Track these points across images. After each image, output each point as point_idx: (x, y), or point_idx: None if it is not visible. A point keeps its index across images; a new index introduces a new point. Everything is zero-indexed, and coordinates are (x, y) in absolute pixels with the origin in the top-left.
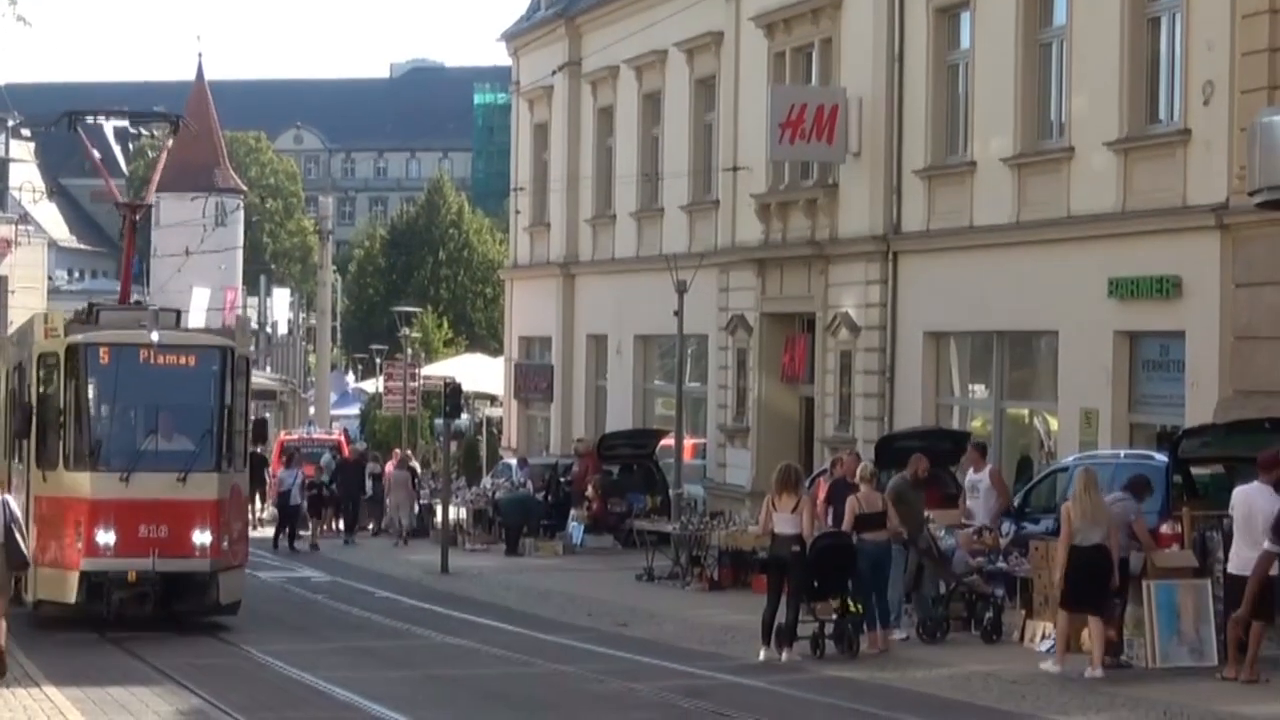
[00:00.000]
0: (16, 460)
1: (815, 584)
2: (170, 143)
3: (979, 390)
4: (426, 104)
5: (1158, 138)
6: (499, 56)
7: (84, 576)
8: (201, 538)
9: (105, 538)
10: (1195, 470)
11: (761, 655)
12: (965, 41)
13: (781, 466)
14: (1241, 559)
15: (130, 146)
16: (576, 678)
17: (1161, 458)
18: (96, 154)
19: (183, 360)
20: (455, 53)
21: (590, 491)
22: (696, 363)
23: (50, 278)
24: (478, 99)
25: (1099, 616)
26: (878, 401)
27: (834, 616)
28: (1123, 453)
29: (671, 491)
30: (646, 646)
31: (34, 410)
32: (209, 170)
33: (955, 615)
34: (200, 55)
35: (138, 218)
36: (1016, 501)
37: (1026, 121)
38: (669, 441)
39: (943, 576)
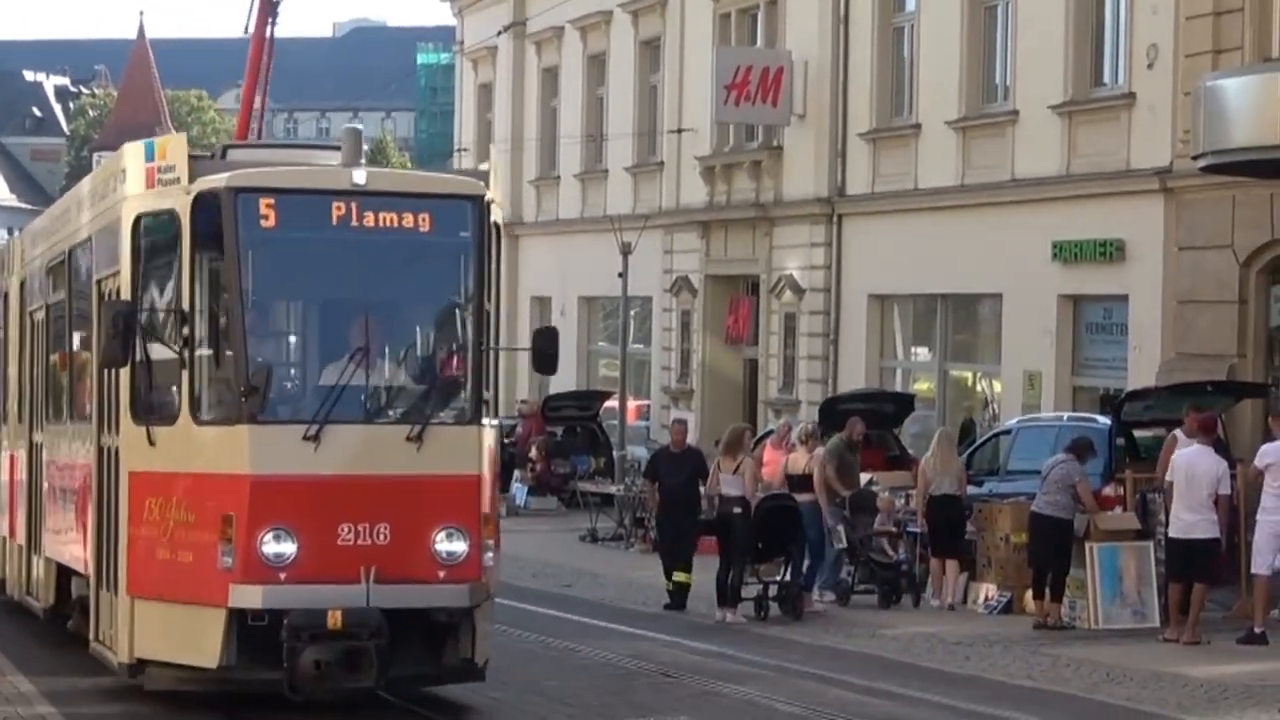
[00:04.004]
0: (52, 414)
1: (760, 545)
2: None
3: (922, 353)
4: (369, 64)
5: (1102, 101)
6: (442, 16)
7: (236, 619)
8: (453, 544)
9: (279, 547)
10: (1138, 433)
11: (717, 616)
12: (910, 4)
13: (730, 428)
14: (1182, 522)
15: (71, 105)
16: (521, 639)
17: (1104, 421)
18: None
19: (412, 221)
20: (398, 12)
21: (534, 453)
22: (640, 324)
23: None
24: (421, 59)
25: (954, 560)
26: (821, 364)
27: (778, 578)
28: (1066, 416)
29: (615, 453)
30: (591, 608)
31: (133, 317)
32: (150, 129)
33: (862, 580)
34: (142, 13)
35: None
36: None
37: (971, 85)
38: (613, 403)
39: (847, 539)
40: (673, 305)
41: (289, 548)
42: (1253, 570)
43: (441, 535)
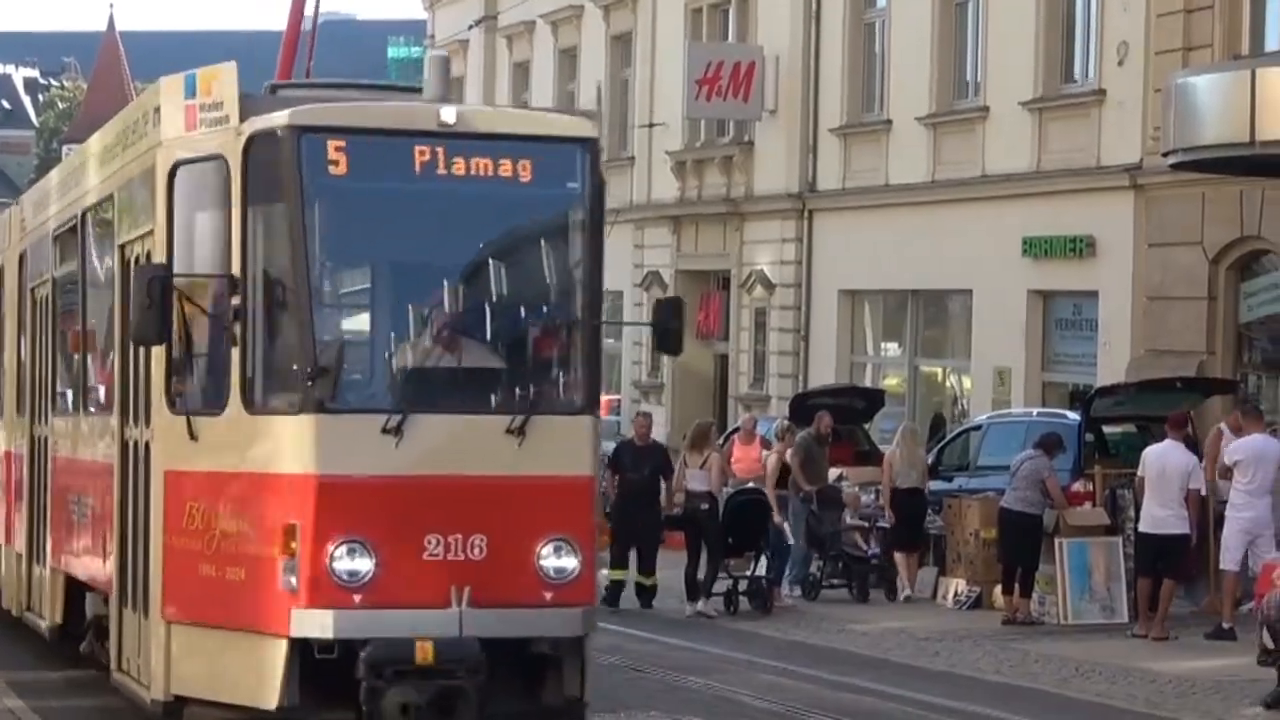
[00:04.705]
0: (61, 404)
1: (730, 540)
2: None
3: (893, 348)
4: (339, 57)
5: (1072, 98)
6: (413, 10)
7: (301, 651)
8: (562, 560)
9: (353, 563)
10: (1107, 429)
11: (688, 610)
12: (881, 0)
13: (696, 423)
14: (1153, 517)
15: (40, 98)
16: None
17: (1074, 416)
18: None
19: (511, 169)
20: (368, 5)
21: None
22: (611, 319)
23: None
24: (391, 53)
25: (913, 553)
26: (792, 359)
27: (748, 573)
28: (1035, 411)
29: None
30: None
31: (170, 284)
32: None
33: (831, 574)
34: (111, 5)
35: None
36: (930, 459)
37: (942, 80)
38: None
39: (817, 534)
40: (644, 300)
41: (365, 564)
42: (1221, 566)
43: (548, 548)
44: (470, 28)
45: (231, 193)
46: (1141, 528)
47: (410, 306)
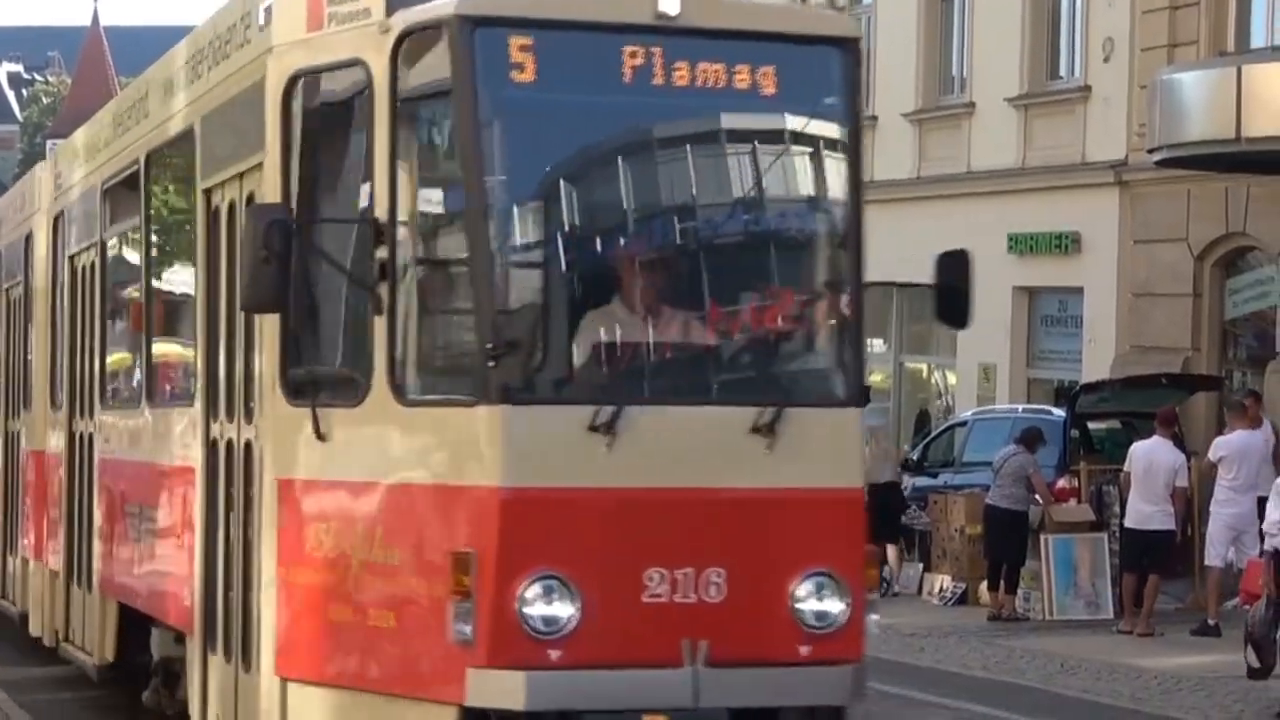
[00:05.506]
0: (113, 394)
1: None
2: None
3: (878, 344)
4: None
5: (1058, 94)
6: None
7: None
8: (824, 602)
9: (551, 607)
10: (1092, 425)
11: None
12: None
13: None
14: (1139, 513)
15: (24, 92)
16: None
17: (1059, 413)
18: None
19: (749, 79)
20: None
21: None
22: None
23: None
24: None
25: (894, 545)
26: None
27: None
28: (1020, 408)
29: None
30: None
31: (290, 230)
32: None
33: None
34: (96, 0)
35: None
36: (915, 455)
37: (928, 77)
38: None
39: None
40: None
41: (567, 608)
42: (1206, 562)
43: (806, 587)
44: None
45: (375, 110)
46: (1127, 523)
47: (621, 262)
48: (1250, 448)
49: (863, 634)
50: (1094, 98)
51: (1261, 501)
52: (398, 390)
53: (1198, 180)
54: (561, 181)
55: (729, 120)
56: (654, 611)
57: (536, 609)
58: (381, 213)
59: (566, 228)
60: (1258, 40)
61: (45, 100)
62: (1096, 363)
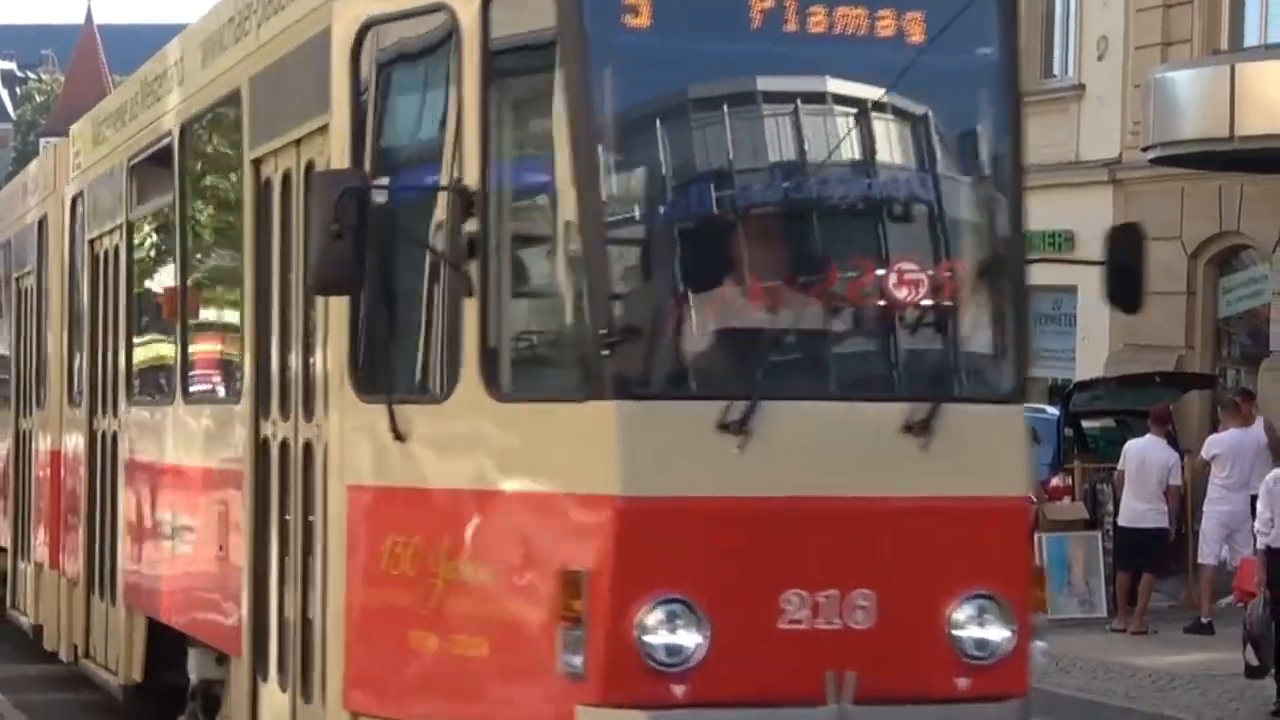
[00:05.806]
0: (141, 389)
1: None
2: None
3: None
4: None
5: (1052, 92)
6: None
7: None
8: (986, 629)
9: (674, 634)
10: (1086, 424)
11: None
12: None
13: None
14: (1133, 511)
15: (18, 91)
16: None
17: (1053, 411)
18: None
19: (893, 26)
20: None
21: None
22: None
23: None
24: None
25: None
26: None
27: None
28: None
29: None
30: None
31: (368, 198)
32: None
33: None
34: None
35: None
36: None
37: None
38: None
39: None
40: None
41: (694, 636)
42: (1199, 560)
43: (966, 611)
44: None
45: (463, 63)
46: (1121, 522)
47: (753, 236)
48: (1243, 446)
49: (1028, 664)
50: (1088, 96)
51: (1254, 500)
52: (491, 383)
53: (1191, 179)
54: (683, 143)
55: (872, 73)
56: (793, 640)
57: (658, 637)
58: (472, 180)
59: (689, 197)
60: (1251, 39)
61: (39, 98)
62: (1090, 361)
